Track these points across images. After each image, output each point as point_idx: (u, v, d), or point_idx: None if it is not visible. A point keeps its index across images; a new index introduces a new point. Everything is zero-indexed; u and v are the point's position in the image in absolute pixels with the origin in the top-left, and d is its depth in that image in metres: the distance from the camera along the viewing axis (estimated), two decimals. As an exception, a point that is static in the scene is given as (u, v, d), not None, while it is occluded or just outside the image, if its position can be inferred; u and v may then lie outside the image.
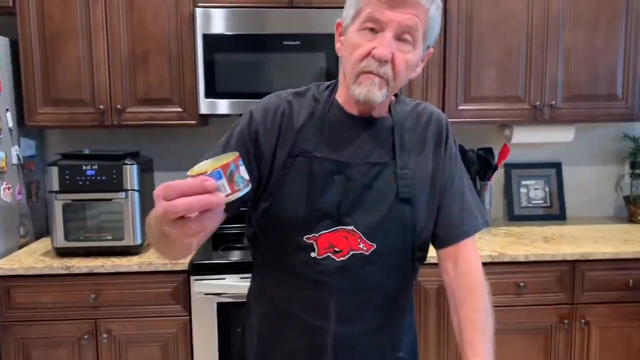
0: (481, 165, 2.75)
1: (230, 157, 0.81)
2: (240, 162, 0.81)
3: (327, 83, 1.22)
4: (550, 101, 2.53)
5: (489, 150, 2.81)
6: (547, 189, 2.93)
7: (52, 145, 2.76)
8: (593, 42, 2.51)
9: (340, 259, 1.10)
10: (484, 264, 2.29)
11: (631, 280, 2.29)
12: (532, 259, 2.26)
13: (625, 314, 2.32)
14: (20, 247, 2.45)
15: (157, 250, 1.05)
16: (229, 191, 0.79)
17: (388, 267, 1.14)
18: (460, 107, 2.53)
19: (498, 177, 2.91)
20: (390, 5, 1.02)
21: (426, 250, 1.20)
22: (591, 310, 2.31)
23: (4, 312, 2.17)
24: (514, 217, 2.89)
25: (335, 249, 1.10)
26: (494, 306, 2.36)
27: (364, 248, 1.10)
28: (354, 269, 1.11)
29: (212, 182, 0.76)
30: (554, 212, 2.91)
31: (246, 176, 0.82)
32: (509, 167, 2.92)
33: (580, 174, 2.97)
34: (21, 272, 2.15)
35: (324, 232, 1.10)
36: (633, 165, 2.93)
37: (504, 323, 2.29)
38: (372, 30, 1.04)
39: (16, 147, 2.44)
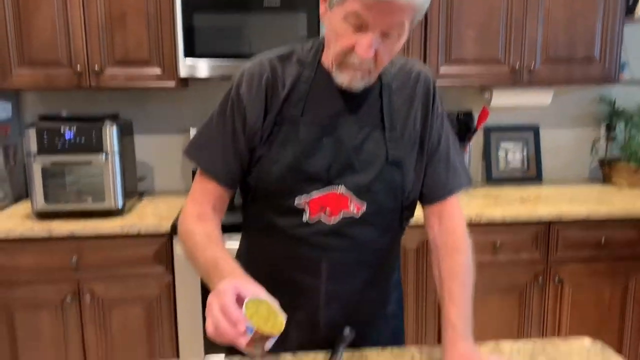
0: (460, 128, 2.79)
1: (277, 326, 0.89)
2: (274, 339, 0.89)
3: (311, 42, 1.20)
4: (529, 63, 2.55)
5: (469, 114, 2.84)
6: (524, 152, 2.98)
7: (29, 107, 2.71)
8: (572, 4, 2.53)
9: (332, 221, 1.13)
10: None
11: (603, 239, 2.37)
12: (509, 220, 2.31)
13: (597, 271, 2.40)
14: (-1, 210, 2.43)
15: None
16: (248, 342, 0.87)
17: (377, 227, 1.17)
18: (441, 70, 2.54)
19: (477, 140, 2.95)
20: (377, 9, 0.97)
21: (414, 209, 1.23)
22: (564, 268, 2.39)
23: (-16, 275, 2.17)
24: (492, 179, 2.94)
25: (327, 210, 1.12)
26: (472, 265, 2.41)
27: (355, 209, 1.13)
28: (345, 230, 1.13)
29: (246, 339, 0.86)
30: (531, 175, 2.96)
31: (267, 348, 0.90)
32: (488, 130, 2.96)
33: (558, 137, 3.02)
34: (1, 235, 2.13)
35: (315, 194, 1.12)
36: (608, 128, 2.99)
37: (480, 281, 2.34)
38: (356, 25, 1.00)
39: (-9, 109, 2.40)
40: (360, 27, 1.00)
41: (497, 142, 2.98)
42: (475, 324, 2.48)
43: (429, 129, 1.18)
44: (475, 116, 2.82)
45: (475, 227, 2.28)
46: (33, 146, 2.21)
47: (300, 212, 1.12)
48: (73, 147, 2.22)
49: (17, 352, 2.22)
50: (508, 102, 2.80)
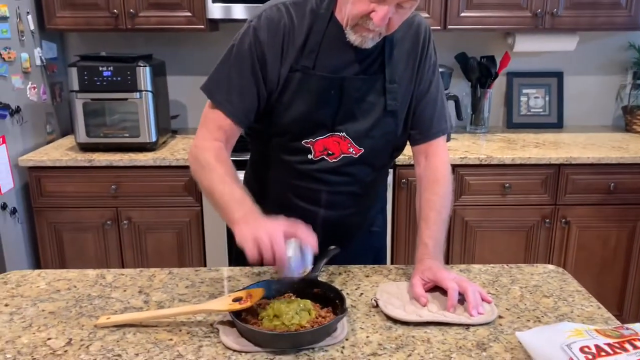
0: (482, 73, 2.84)
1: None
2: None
3: None
4: (552, 9, 2.55)
5: (491, 58, 2.87)
6: (547, 98, 3.01)
7: (72, 48, 2.92)
8: (600, -53, 2.50)
9: (333, 160, 1.27)
10: (473, 165, 2.45)
11: (612, 184, 2.43)
12: (519, 162, 2.40)
13: (605, 215, 2.48)
14: (48, 142, 2.68)
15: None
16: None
17: (372, 166, 1.32)
18: (462, 14, 2.58)
19: (499, 85, 2.99)
20: None
21: (402, 148, 1.38)
22: (572, 211, 2.48)
23: (36, 199, 2.43)
24: (512, 124, 3.00)
25: (329, 151, 1.27)
26: (481, 205, 2.56)
27: (353, 152, 1.27)
28: (344, 169, 1.29)
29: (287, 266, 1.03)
30: (552, 121, 3.00)
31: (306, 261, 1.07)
32: (510, 75, 2.99)
33: (582, 83, 3.03)
34: (49, 164, 2.38)
35: (319, 137, 1.25)
36: (635, 76, 2.97)
37: (489, 220, 2.48)
38: None
39: (38, 49, 2.61)
40: None
41: (519, 88, 3.01)
42: (481, 261, 2.63)
43: (420, 75, 1.30)
44: (498, 61, 2.86)
45: (485, 167, 2.40)
46: (75, 84, 2.41)
47: (307, 150, 1.27)
48: (111, 86, 2.41)
49: (66, 268, 2.52)
50: (532, 48, 2.82)
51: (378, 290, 1.17)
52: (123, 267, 2.51)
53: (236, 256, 1.44)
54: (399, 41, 1.27)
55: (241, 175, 1.46)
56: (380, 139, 1.29)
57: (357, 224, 1.41)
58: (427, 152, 1.35)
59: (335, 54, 1.22)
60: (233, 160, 1.22)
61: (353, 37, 1.17)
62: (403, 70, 1.28)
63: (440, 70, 2.57)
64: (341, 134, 1.26)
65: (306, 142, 1.26)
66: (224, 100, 1.23)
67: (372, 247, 1.49)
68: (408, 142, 1.38)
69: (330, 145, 1.26)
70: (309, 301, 1.05)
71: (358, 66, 1.24)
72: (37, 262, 2.55)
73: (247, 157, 1.46)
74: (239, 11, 2.46)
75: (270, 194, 1.36)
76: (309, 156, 1.27)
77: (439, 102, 1.34)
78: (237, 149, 1.31)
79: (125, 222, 2.45)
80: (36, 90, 2.58)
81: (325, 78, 1.22)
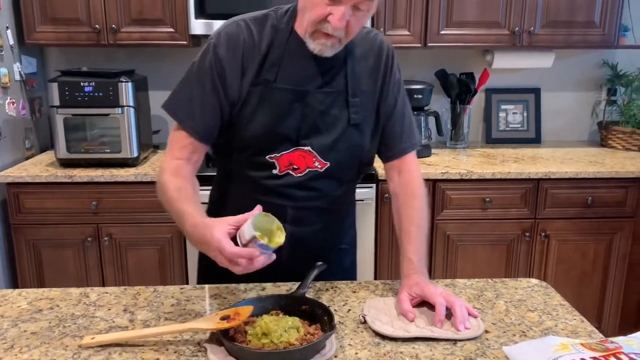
0: (461, 89, 2.88)
1: (281, 237, 1.04)
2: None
3: (286, 7, 1.28)
4: (529, 27, 2.62)
5: (470, 75, 2.92)
6: (525, 114, 3.07)
7: (53, 63, 2.89)
8: (574, -32, 2.57)
9: (299, 175, 1.27)
10: (454, 180, 2.48)
11: (589, 198, 2.48)
12: (499, 176, 2.43)
13: (583, 228, 2.53)
14: (27, 158, 2.64)
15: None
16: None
17: (338, 180, 1.32)
18: (442, 32, 2.62)
19: (479, 101, 3.05)
20: None
21: (371, 163, 1.39)
22: (551, 224, 2.52)
23: (15, 216, 2.39)
24: (491, 139, 3.05)
25: (294, 166, 1.26)
26: (462, 219, 2.59)
27: (319, 166, 1.27)
28: (310, 183, 1.28)
29: (263, 258, 1.01)
30: (530, 136, 3.06)
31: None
32: (489, 91, 3.04)
33: (559, 99, 3.10)
34: (28, 179, 2.35)
35: (284, 152, 1.25)
36: (609, 92, 3.05)
37: (470, 234, 2.51)
38: None
39: (18, 64, 2.58)
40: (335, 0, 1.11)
41: (497, 104, 3.06)
42: (463, 275, 2.65)
43: (386, 93, 1.32)
44: (477, 77, 2.91)
45: (466, 182, 2.43)
46: (56, 99, 2.39)
47: (271, 165, 1.26)
48: (92, 101, 2.39)
49: (45, 286, 2.47)
50: (510, 65, 2.88)
51: (365, 306, 1.17)
52: (104, 284, 2.47)
53: (202, 270, 1.45)
54: (361, 57, 1.29)
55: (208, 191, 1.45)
56: (346, 153, 1.29)
57: (325, 240, 1.39)
58: (399, 167, 1.37)
59: (297, 67, 1.24)
60: (204, 176, 1.22)
61: (313, 45, 1.19)
62: (366, 85, 1.29)
63: (421, 86, 2.65)
64: (306, 147, 1.26)
65: (270, 157, 1.26)
66: (186, 118, 1.24)
67: (340, 267, 1.46)
68: (379, 159, 1.39)
69: (296, 160, 1.27)
70: (297, 318, 1.05)
71: (321, 79, 1.25)
72: (15, 281, 2.49)
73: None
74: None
75: (235, 210, 1.30)
76: (274, 171, 1.27)
77: (406, 118, 1.37)
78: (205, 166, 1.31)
79: (106, 238, 2.42)
80: (15, 105, 2.54)
81: (288, 91, 1.23)
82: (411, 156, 1.37)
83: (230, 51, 1.22)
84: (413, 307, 1.14)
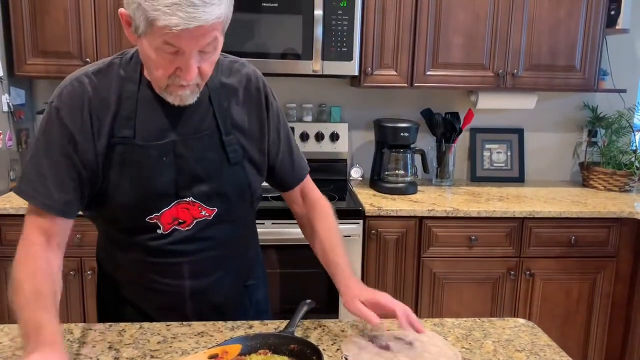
0: (447, 128, 2.93)
1: None
2: None
3: (131, 52, 1.15)
4: (512, 70, 2.69)
5: (455, 115, 2.98)
6: (509, 153, 3.13)
7: (41, 94, 2.89)
8: (556, 14, 2.66)
9: (186, 228, 1.18)
10: (440, 217, 2.49)
11: (573, 238, 2.51)
12: (484, 215, 2.46)
13: (567, 267, 2.55)
14: (11, 189, 2.61)
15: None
16: None
17: (231, 222, 1.24)
18: (428, 73, 2.69)
19: (463, 140, 3.10)
20: (186, 34, 0.97)
21: (261, 195, 1.32)
22: (536, 263, 2.54)
23: (-4, 248, 2.36)
24: (476, 178, 3.09)
25: (180, 220, 1.17)
26: (448, 256, 2.59)
27: (206, 214, 1.19)
28: (201, 234, 1.19)
29: None
30: (514, 175, 3.11)
31: None
32: (474, 131, 3.10)
33: (541, 139, 3.16)
34: (12, 211, 2.32)
35: (165, 209, 1.15)
36: (590, 134, 3.13)
37: (456, 272, 2.51)
38: (172, 52, 1.01)
39: (6, 95, 2.58)
40: (177, 52, 1.00)
41: (482, 143, 3.12)
42: (449, 312, 2.64)
43: (266, 126, 1.25)
44: (462, 117, 2.97)
45: (452, 220, 2.45)
46: (43, 131, 2.38)
47: (154, 226, 1.16)
48: (80, 133, 2.38)
49: (23, 320, 2.41)
50: (494, 105, 2.94)
51: (343, 346, 1.17)
52: (85, 318, 2.42)
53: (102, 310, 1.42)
54: (229, 92, 1.20)
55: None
56: (233, 194, 1.21)
57: (230, 285, 1.31)
58: (302, 191, 1.37)
59: (155, 118, 1.13)
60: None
61: (171, 99, 1.09)
62: (240, 121, 1.21)
63: (407, 125, 2.69)
64: (188, 199, 1.16)
65: (150, 219, 1.15)
66: (38, 195, 1.09)
67: (251, 301, 1.39)
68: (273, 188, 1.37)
69: (180, 214, 1.17)
70: (285, 357, 1.04)
71: (187, 125, 1.15)
72: (-7, 315, 2.44)
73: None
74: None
75: (128, 275, 1.26)
76: (159, 231, 1.17)
77: (294, 148, 1.34)
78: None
79: (89, 272, 2.39)
80: (1, 136, 2.53)
81: (150, 144, 1.12)
82: (308, 177, 1.38)
83: (77, 113, 1.09)
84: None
